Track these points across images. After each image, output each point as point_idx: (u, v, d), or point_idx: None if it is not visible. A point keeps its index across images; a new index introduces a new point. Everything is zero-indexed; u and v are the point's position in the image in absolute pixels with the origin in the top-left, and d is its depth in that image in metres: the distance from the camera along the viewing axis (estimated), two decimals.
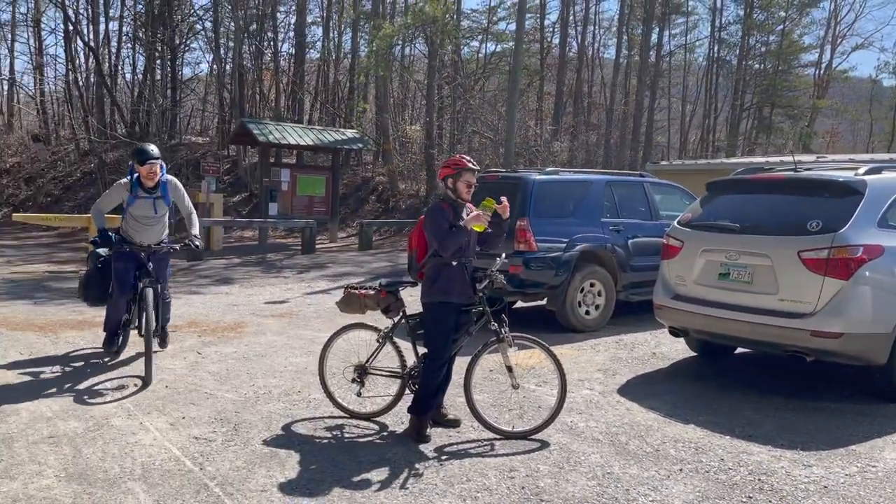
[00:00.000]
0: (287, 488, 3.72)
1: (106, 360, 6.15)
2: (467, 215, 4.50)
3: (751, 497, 3.73)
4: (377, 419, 4.80)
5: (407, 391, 4.72)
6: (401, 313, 4.74)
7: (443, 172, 4.57)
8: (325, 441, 4.43)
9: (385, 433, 4.59)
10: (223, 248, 16.32)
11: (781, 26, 30.14)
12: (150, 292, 5.67)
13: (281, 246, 17.38)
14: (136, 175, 5.86)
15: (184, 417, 4.76)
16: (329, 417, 4.84)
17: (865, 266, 5.02)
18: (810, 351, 5.15)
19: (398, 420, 4.76)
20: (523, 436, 4.52)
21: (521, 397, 5.14)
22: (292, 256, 15.12)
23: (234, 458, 4.11)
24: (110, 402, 5.08)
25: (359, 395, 4.82)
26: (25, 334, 7.07)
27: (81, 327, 7.44)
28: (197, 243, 6.06)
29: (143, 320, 5.70)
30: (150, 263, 5.87)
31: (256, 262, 14.06)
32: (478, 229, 4.49)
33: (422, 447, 4.35)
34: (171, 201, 6.08)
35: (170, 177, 6.08)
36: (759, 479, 3.94)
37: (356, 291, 4.85)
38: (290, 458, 4.11)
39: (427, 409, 4.53)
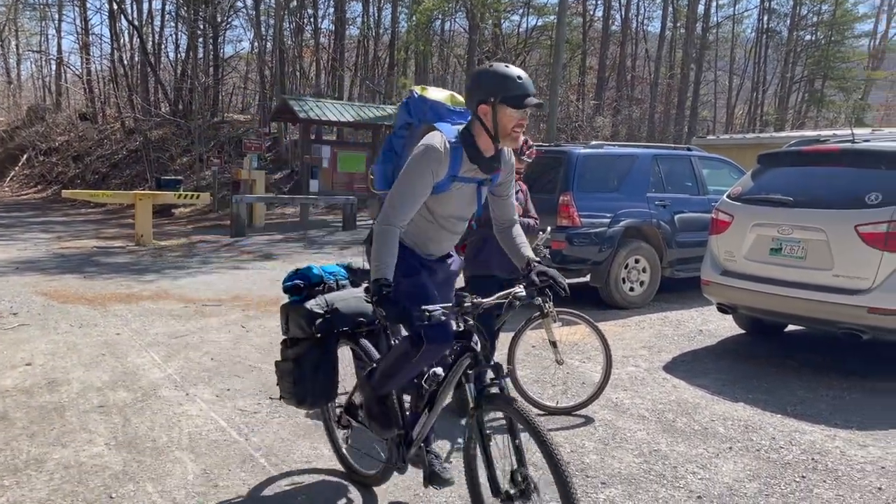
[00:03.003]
0: (332, 460, 3.72)
1: None
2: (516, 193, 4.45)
3: (804, 476, 3.62)
4: None
5: None
6: None
7: None
8: None
9: None
10: (265, 224, 16.50)
11: None
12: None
13: (322, 223, 17.49)
14: (458, 132, 2.79)
15: (228, 389, 4.81)
16: None
17: None
18: (866, 328, 4.96)
19: None
20: (567, 412, 4.47)
21: (565, 373, 5.07)
22: (333, 233, 15.20)
23: (279, 429, 4.14)
24: (158, 373, 5.17)
25: None
26: (76, 307, 7.24)
27: (129, 300, 7.59)
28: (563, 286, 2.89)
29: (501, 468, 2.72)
30: (482, 335, 2.79)
31: (298, 239, 14.17)
32: None
33: (464, 421, 4.31)
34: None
35: None
36: (813, 459, 3.83)
37: None
38: None
39: None
